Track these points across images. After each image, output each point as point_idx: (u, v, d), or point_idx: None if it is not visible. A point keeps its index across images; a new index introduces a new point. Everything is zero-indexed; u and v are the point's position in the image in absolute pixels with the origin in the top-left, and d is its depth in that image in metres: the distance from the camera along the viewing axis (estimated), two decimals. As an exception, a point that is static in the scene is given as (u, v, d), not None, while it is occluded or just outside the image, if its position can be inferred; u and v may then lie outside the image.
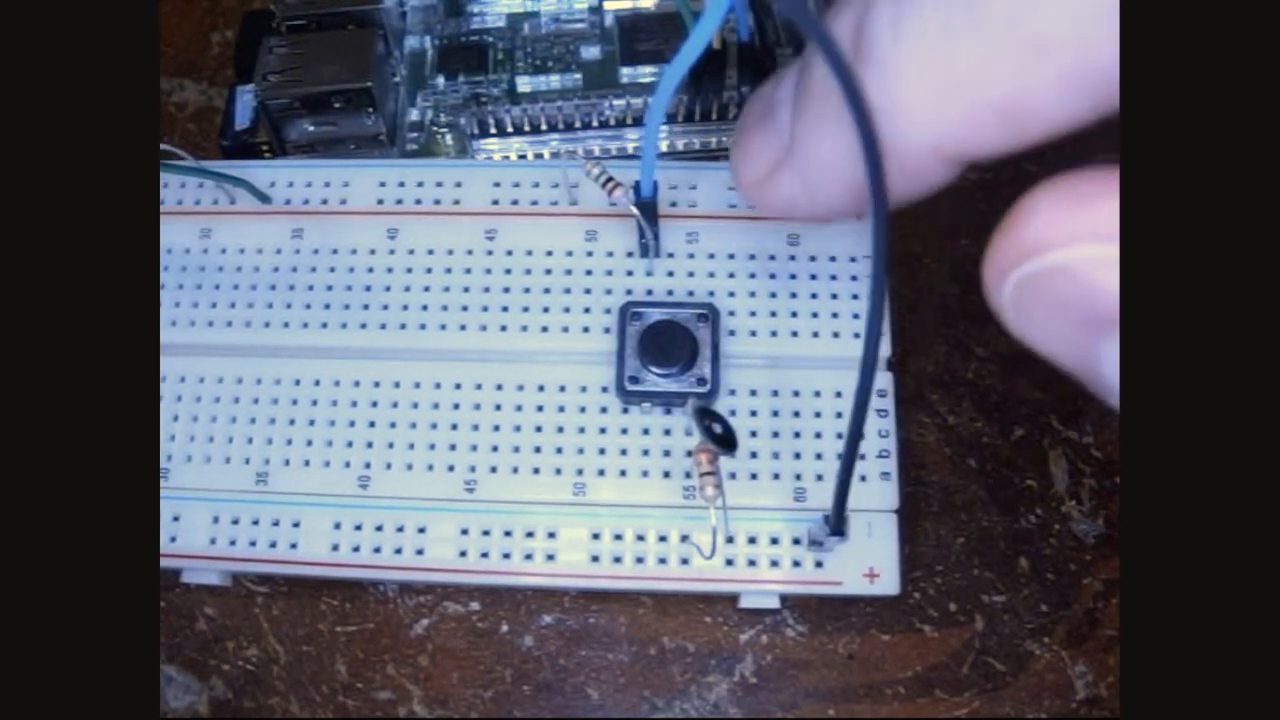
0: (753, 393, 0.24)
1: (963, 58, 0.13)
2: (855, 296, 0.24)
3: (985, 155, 0.14)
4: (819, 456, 0.23)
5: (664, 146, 0.28)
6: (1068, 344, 0.14)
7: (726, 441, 0.20)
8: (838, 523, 0.20)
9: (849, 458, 0.18)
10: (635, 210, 0.23)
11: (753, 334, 0.24)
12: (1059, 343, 0.14)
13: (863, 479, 0.23)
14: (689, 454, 0.23)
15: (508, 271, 0.25)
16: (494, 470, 0.24)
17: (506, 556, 0.23)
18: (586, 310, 0.25)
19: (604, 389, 0.24)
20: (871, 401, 0.23)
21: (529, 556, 0.23)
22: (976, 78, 0.13)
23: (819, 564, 0.23)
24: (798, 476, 0.23)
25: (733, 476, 0.23)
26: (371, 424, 0.24)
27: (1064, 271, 0.13)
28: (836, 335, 0.24)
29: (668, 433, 0.24)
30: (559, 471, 0.24)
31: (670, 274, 0.25)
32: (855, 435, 0.18)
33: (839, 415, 0.24)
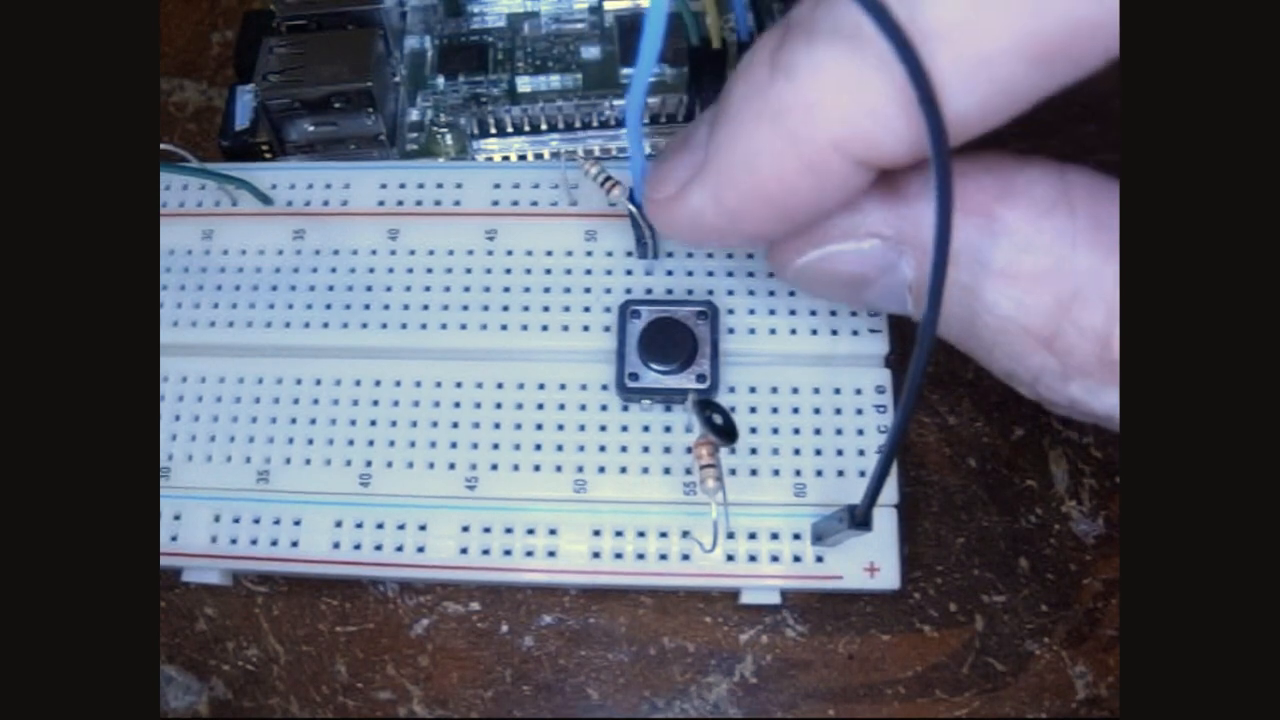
0: (752, 390, 0.25)
1: (873, 50, 0.15)
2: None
3: (886, 155, 0.16)
4: (818, 452, 0.24)
5: (663, 146, 0.29)
6: (839, 298, 0.22)
7: (727, 432, 0.21)
8: (865, 515, 0.21)
9: (888, 454, 0.19)
10: (633, 208, 0.24)
11: (751, 332, 0.25)
12: (834, 298, 0.23)
13: (861, 474, 0.24)
14: (689, 450, 0.24)
15: (508, 271, 0.26)
16: (495, 468, 0.24)
17: (507, 553, 0.24)
18: (586, 309, 0.25)
19: (604, 387, 0.25)
20: (871, 399, 0.25)
21: (530, 553, 0.24)
22: (880, 72, 0.15)
23: (819, 559, 0.24)
24: (797, 472, 0.24)
25: (733, 473, 0.24)
26: (372, 422, 0.25)
27: (817, 265, 0.20)
28: (835, 333, 0.25)
29: (668, 430, 0.25)
30: (559, 469, 0.24)
31: (669, 273, 0.26)
32: (898, 432, 0.18)
33: (838, 412, 0.25)
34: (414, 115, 0.30)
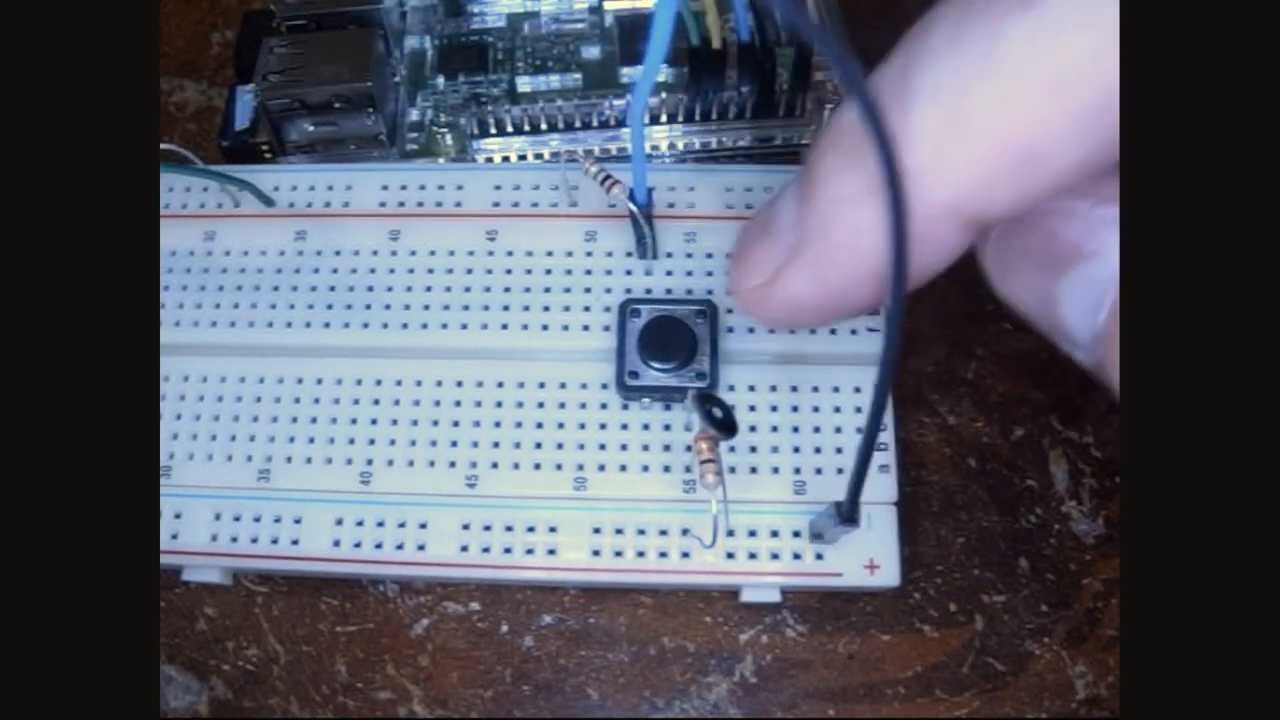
0: (751, 388, 0.25)
1: (976, 107, 0.14)
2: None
3: (1000, 212, 0.15)
4: (817, 450, 0.25)
5: (664, 147, 0.29)
6: (1033, 290, 0.17)
7: (727, 426, 0.21)
8: (850, 511, 0.21)
9: (866, 449, 0.19)
10: (633, 207, 0.24)
11: (751, 330, 0.25)
12: (1027, 290, 0.17)
13: (860, 472, 0.24)
14: (689, 448, 0.24)
15: (508, 271, 0.26)
16: (495, 466, 0.25)
17: (508, 551, 0.24)
18: (586, 309, 0.26)
19: (604, 385, 0.25)
20: (870, 397, 0.25)
21: (530, 551, 0.24)
22: (991, 126, 0.14)
23: (819, 556, 0.24)
24: (797, 470, 0.24)
25: (732, 471, 0.24)
26: (373, 421, 0.25)
27: (1027, 222, 0.16)
28: (833, 332, 0.25)
29: (667, 428, 0.25)
30: (559, 467, 0.25)
31: (669, 273, 0.26)
32: (873, 428, 0.19)
33: (837, 410, 0.25)
34: (414, 115, 0.30)
